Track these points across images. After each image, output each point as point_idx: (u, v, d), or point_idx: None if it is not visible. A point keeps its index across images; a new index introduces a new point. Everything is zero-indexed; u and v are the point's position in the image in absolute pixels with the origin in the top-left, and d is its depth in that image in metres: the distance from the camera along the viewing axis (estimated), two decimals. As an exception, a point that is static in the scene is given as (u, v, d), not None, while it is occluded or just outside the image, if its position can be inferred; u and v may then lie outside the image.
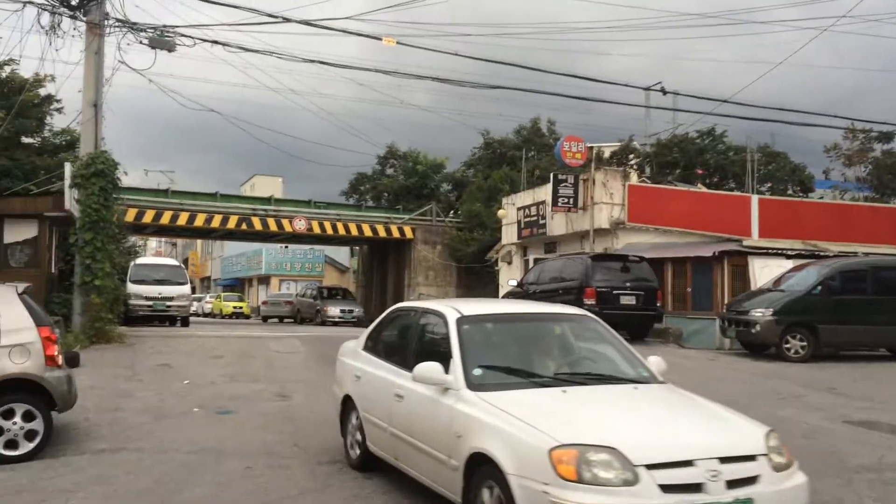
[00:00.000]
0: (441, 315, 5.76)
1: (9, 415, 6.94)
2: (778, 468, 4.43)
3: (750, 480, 4.28)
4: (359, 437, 6.48)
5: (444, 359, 5.24)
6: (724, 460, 4.24)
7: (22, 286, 7.68)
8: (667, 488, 4.07)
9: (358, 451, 6.53)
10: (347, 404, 6.83)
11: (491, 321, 5.98)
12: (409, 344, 6.15)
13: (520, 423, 4.41)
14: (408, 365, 5.65)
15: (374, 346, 6.80)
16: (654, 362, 5.64)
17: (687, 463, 4.17)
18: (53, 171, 17.04)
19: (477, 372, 5.11)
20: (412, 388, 5.43)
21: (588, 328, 6.07)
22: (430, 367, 5.13)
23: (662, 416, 4.84)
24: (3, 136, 16.50)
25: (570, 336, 6.04)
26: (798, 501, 4.50)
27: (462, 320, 5.55)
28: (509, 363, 5.49)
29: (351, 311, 31.92)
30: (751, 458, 4.39)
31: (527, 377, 5.24)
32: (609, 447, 4.14)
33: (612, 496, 4.00)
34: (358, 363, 6.76)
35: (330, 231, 34.06)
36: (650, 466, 4.09)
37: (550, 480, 4.07)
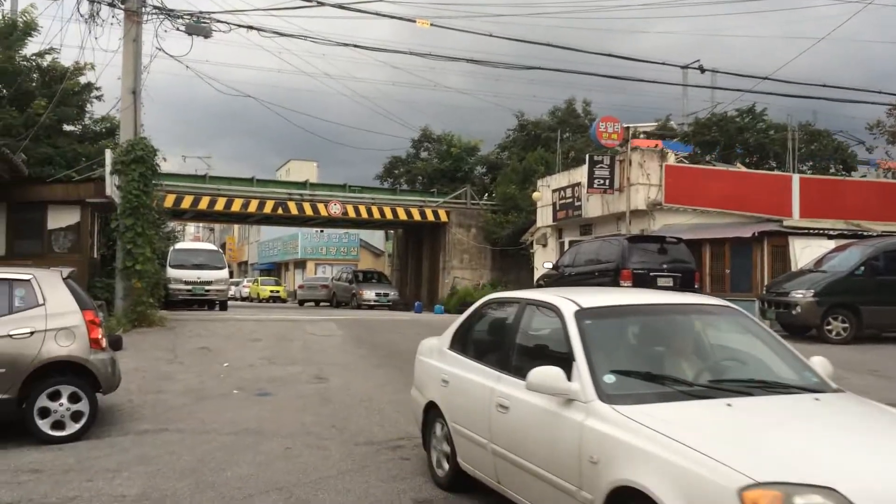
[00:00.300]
0: (553, 307, 4.77)
1: (55, 396, 7.12)
2: None
3: None
4: (447, 451, 5.58)
5: (561, 361, 4.31)
6: None
7: (66, 271, 7.85)
8: None
9: (446, 468, 5.60)
10: (431, 412, 5.92)
11: (616, 315, 4.90)
12: (510, 343, 5.15)
13: (686, 450, 3.36)
14: (511, 369, 4.87)
15: (464, 344, 5.83)
16: (820, 363, 4.57)
17: None
18: (94, 158, 17.35)
19: (609, 379, 4.14)
20: (521, 398, 4.51)
21: (732, 321, 5.05)
22: (549, 374, 4.14)
23: (874, 439, 3.66)
24: (46, 125, 16.81)
25: (713, 332, 5.03)
26: None
27: (582, 314, 4.54)
28: (646, 367, 4.51)
29: (386, 295, 32.13)
30: None
31: (672, 385, 4.22)
32: (825, 487, 3.03)
33: None
34: (444, 365, 5.81)
35: (365, 215, 34.23)
36: None
37: None
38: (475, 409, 5.15)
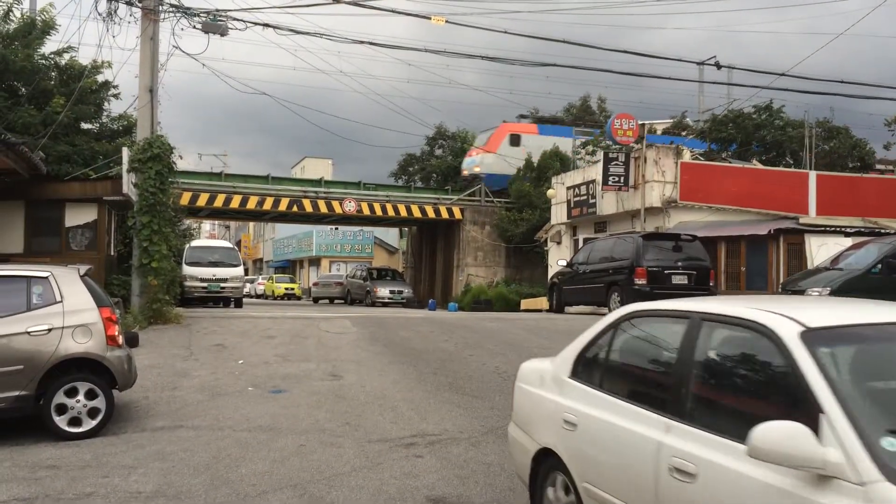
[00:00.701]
0: (757, 327, 3.29)
1: (72, 393, 7.20)
2: None
3: None
4: None
5: (785, 410, 2.93)
6: None
7: (84, 268, 7.94)
8: None
9: None
10: (545, 462, 4.44)
11: (863, 339, 3.31)
12: (681, 377, 3.60)
13: None
14: (687, 414, 3.45)
15: (595, 372, 4.33)
16: None
17: None
18: (111, 156, 17.47)
19: (891, 445, 2.64)
20: (722, 465, 3.05)
21: None
22: (789, 434, 2.66)
23: None
24: (64, 123, 16.94)
25: None
26: None
27: (812, 338, 3.06)
28: None
29: (400, 293, 32.17)
30: None
31: None
32: None
33: None
34: (567, 400, 4.29)
35: (379, 212, 34.30)
36: None
37: None
38: (627, 470, 3.69)
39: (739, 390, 3.52)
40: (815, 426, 2.71)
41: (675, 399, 3.58)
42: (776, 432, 2.69)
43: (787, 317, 3.22)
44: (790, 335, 3.08)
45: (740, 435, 2.88)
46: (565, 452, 4.20)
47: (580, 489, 4.00)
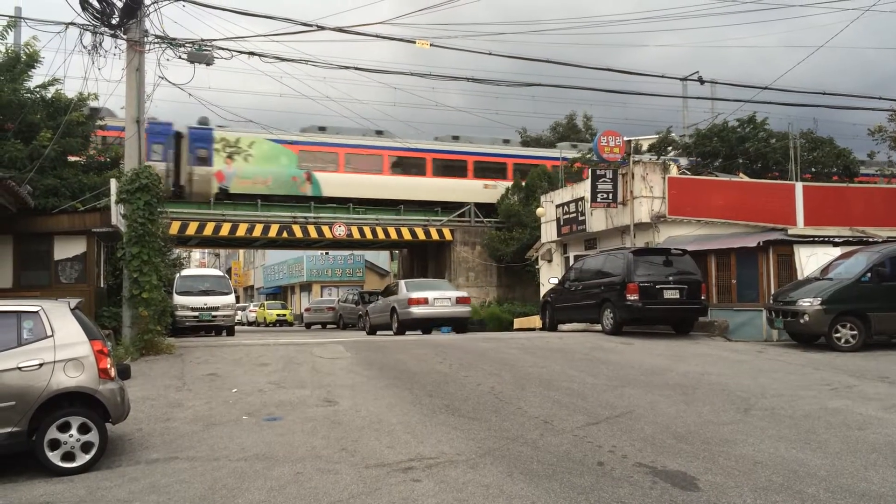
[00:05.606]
0: None
1: (65, 428, 7.13)
2: None
3: None
4: None
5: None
6: None
7: (74, 301, 7.89)
8: None
9: None
10: None
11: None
12: None
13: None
14: None
15: None
16: None
17: None
18: (99, 188, 17.43)
19: None
20: None
21: None
22: None
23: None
24: (51, 156, 16.91)
25: None
26: None
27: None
28: None
29: (393, 315, 32.03)
30: None
31: None
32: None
33: None
34: None
35: (370, 236, 34.31)
36: None
37: None
38: None
39: None
40: None
41: None
42: None
43: None
44: None
45: None
46: None
47: None
